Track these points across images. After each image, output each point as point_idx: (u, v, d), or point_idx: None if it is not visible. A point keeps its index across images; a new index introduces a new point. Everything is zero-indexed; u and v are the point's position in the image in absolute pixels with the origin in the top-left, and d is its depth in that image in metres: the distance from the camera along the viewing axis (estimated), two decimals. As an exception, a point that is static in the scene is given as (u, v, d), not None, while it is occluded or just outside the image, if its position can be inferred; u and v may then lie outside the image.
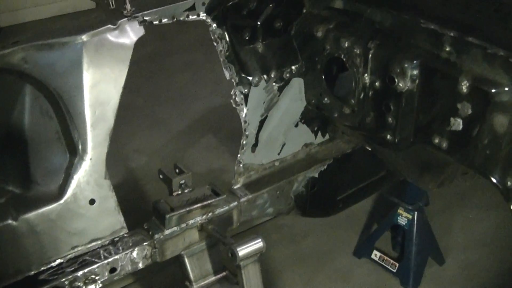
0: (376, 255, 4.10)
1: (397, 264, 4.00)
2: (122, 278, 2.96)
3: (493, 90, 2.40)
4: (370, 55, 2.84)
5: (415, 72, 2.67)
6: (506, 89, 2.38)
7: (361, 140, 3.31)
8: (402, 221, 3.95)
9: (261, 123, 3.17)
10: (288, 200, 3.35)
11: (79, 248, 2.74)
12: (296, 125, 3.33)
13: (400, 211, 3.95)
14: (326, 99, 3.15)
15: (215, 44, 2.92)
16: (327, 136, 3.49)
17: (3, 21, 7.52)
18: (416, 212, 3.90)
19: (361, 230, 4.38)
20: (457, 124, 2.58)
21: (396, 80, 2.72)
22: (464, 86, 2.49)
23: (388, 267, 4.03)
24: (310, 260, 4.14)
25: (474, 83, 2.47)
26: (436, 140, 2.70)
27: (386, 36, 2.83)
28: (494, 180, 2.53)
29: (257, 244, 2.70)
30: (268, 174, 3.30)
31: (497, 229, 4.35)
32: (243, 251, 2.66)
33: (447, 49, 2.58)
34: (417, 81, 2.69)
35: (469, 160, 2.63)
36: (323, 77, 3.13)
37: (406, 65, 2.68)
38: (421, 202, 3.95)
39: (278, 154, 3.33)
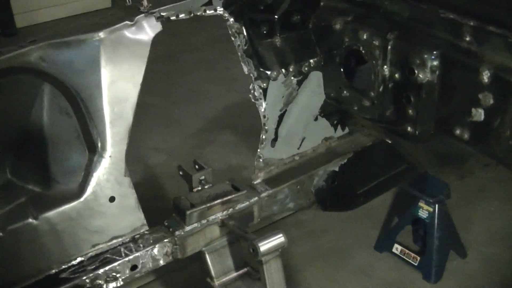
0: (397, 249, 4.05)
1: (419, 258, 3.95)
2: (143, 275, 2.97)
3: None
4: (389, 47, 2.80)
5: (435, 63, 2.63)
6: None
7: (381, 133, 3.28)
8: (423, 214, 3.90)
9: (280, 117, 3.14)
10: (308, 194, 3.31)
11: (100, 246, 2.72)
12: (316, 119, 3.30)
13: (421, 204, 3.90)
14: (345, 92, 3.11)
15: (233, 38, 2.91)
16: (346, 130, 3.46)
17: (19, 22, 7.55)
18: (437, 205, 3.85)
19: (381, 224, 4.33)
20: (479, 114, 2.53)
21: (416, 72, 2.68)
22: (486, 76, 2.44)
23: (410, 261, 3.99)
24: (331, 255, 4.11)
25: (495, 72, 2.42)
26: (458, 131, 2.65)
27: (405, 27, 2.79)
28: None
29: (278, 239, 2.65)
30: (288, 168, 3.26)
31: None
32: (264, 246, 2.62)
33: (467, 38, 2.53)
34: (437, 72, 2.65)
35: (492, 151, 2.59)
36: (342, 70, 3.10)
37: (426, 56, 2.64)
38: (442, 194, 3.91)
39: (298, 148, 3.29)
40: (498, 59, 2.42)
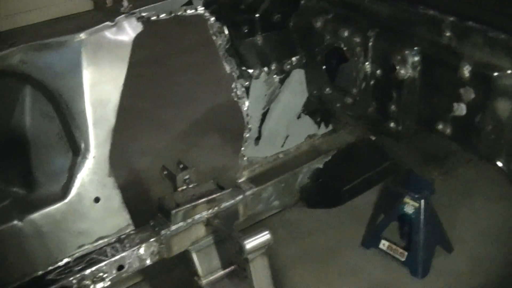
0: (384, 244, 4.08)
1: (406, 253, 3.98)
2: (131, 276, 2.98)
3: (495, 74, 2.35)
4: (370, 44, 2.81)
5: (416, 59, 2.63)
6: (508, 72, 2.33)
7: (364, 130, 3.29)
8: (409, 210, 3.94)
9: (263, 116, 3.15)
10: (293, 192, 3.31)
11: (86, 247, 2.71)
12: (299, 117, 3.30)
13: (407, 200, 3.93)
14: (327, 90, 3.12)
15: (214, 38, 2.91)
16: (330, 127, 3.47)
17: (1, 26, 7.53)
18: (422, 201, 3.88)
19: (367, 221, 4.35)
20: (460, 109, 2.53)
21: (397, 68, 2.69)
22: (466, 71, 2.44)
23: (397, 256, 4.02)
24: (318, 254, 4.13)
25: (475, 67, 2.42)
26: (440, 126, 2.65)
27: (385, 24, 2.80)
28: (499, 165, 2.50)
29: (264, 236, 2.67)
30: (272, 167, 3.27)
31: (505, 219, 4.35)
32: (250, 244, 2.63)
33: (447, 34, 2.54)
34: (418, 68, 2.65)
35: (474, 146, 2.59)
36: (323, 68, 3.11)
37: (406, 52, 2.64)
38: (427, 191, 3.93)
39: (282, 146, 3.30)
40: (478, 54, 2.42)
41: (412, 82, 2.69)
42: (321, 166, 3.36)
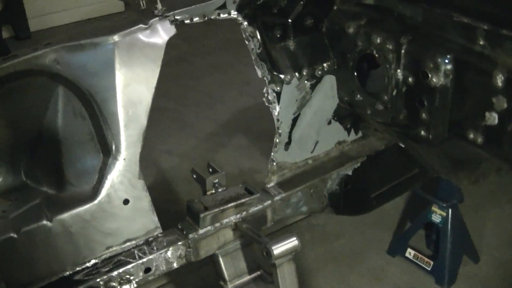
0: (410, 253, 4.03)
1: (432, 262, 3.93)
2: (156, 278, 2.97)
3: None
4: (402, 51, 2.79)
5: (448, 66, 2.62)
6: None
7: (394, 136, 3.26)
8: (436, 218, 3.89)
9: (294, 121, 3.13)
10: (322, 198, 3.29)
11: (114, 248, 2.72)
12: (329, 123, 3.29)
13: (434, 208, 3.89)
14: (358, 96, 3.10)
15: (247, 42, 2.91)
16: (360, 134, 3.44)
17: (32, 26, 7.59)
18: (450, 209, 3.83)
19: (394, 228, 4.32)
20: (493, 118, 2.51)
21: (430, 75, 2.67)
22: (499, 80, 2.42)
23: (423, 265, 3.97)
24: (344, 259, 4.10)
25: (509, 76, 2.40)
26: (471, 135, 2.64)
27: (418, 31, 2.78)
28: None
29: (292, 242, 2.64)
30: (301, 172, 3.24)
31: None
32: (278, 249, 2.61)
33: (481, 42, 2.52)
34: (450, 76, 2.64)
35: (505, 155, 2.58)
36: (355, 74, 3.09)
37: (439, 60, 2.63)
38: (455, 199, 3.89)
39: (311, 152, 3.28)
40: (510, 62, 2.41)
41: (444, 89, 2.67)
42: (350, 172, 3.34)
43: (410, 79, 2.80)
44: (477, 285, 3.91)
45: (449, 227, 3.84)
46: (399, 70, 2.83)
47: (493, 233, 4.29)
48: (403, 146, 3.27)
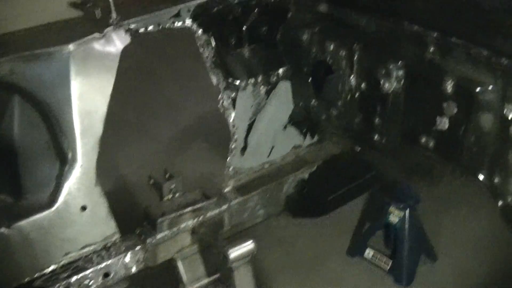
0: (369, 253, 4.13)
1: (390, 262, 4.03)
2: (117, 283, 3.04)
3: (477, 89, 2.44)
4: (355, 58, 2.89)
5: (400, 73, 2.72)
6: (490, 88, 2.42)
7: (350, 141, 3.36)
8: (393, 219, 3.98)
9: (250, 126, 3.24)
10: (279, 202, 3.40)
11: (72, 254, 2.79)
12: (285, 128, 3.39)
13: (392, 209, 3.98)
14: (313, 101, 3.20)
15: (201, 49, 2.98)
16: (316, 138, 3.54)
17: (-10, 32, 7.57)
18: (407, 210, 3.92)
19: (353, 230, 4.41)
20: (443, 123, 2.62)
21: (382, 82, 2.77)
22: (449, 86, 2.53)
23: (381, 265, 4.07)
24: (303, 262, 4.16)
25: (458, 82, 2.51)
26: (423, 140, 2.75)
27: (371, 38, 2.88)
28: (481, 178, 2.58)
29: (248, 246, 2.74)
30: (258, 177, 3.36)
31: (489, 227, 4.36)
32: (234, 253, 2.70)
33: (431, 50, 2.62)
34: (402, 82, 2.74)
35: (456, 159, 2.68)
36: (309, 80, 3.19)
37: (391, 67, 2.73)
38: (412, 200, 3.99)
39: (268, 157, 3.38)
40: (460, 70, 2.52)
41: (396, 95, 2.77)
42: (306, 176, 3.44)
43: (363, 86, 2.90)
44: (434, 283, 3.99)
45: (406, 227, 3.93)
46: (352, 77, 2.93)
47: (451, 234, 4.38)
48: (358, 150, 3.38)
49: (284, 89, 3.29)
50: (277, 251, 4.26)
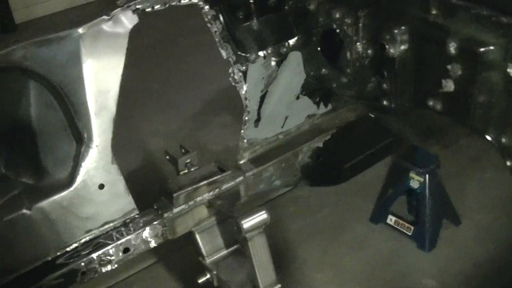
0: (391, 219, 4.19)
1: (412, 228, 4.09)
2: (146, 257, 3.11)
3: (480, 49, 2.45)
4: (360, 24, 2.93)
5: (404, 37, 2.75)
6: (493, 47, 2.43)
7: (363, 108, 3.41)
8: (414, 184, 4.04)
9: (262, 98, 3.28)
10: (294, 171, 3.46)
11: (93, 232, 2.91)
12: (298, 98, 3.43)
13: (412, 175, 4.03)
14: (323, 70, 3.24)
15: (209, 25, 3.04)
16: (330, 106, 3.59)
17: (17, 18, 7.73)
18: (427, 175, 3.98)
19: (376, 197, 4.47)
20: (449, 85, 2.65)
21: (387, 47, 2.81)
22: (453, 48, 2.54)
23: (404, 231, 4.13)
24: (327, 230, 4.26)
25: (461, 44, 2.52)
26: (431, 103, 2.77)
27: (375, 4, 2.91)
28: (489, 138, 2.61)
29: (261, 216, 2.81)
30: (273, 147, 3.41)
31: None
32: (247, 223, 2.78)
33: (434, 12, 2.64)
34: (407, 46, 2.76)
35: (464, 120, 2.70)
36: (319, 49, 3.23)
37: (395, 31, 2.75)
38: (432, 165, 4.03)
39: (282, 127, 3.43)
40: (463, 31, 2.52)
41: (401, 60, 2.80)
42: (321, 145, 3.50)
43: (369, 51, 2.93)
44: (458, 247, 4.05)
45: (427, 192, 3.99)
46: (358, 43, 2.97)
47: (475, 197, 4.43)
48: (373, 116, 3.43)
49: (295, 59, 3.32)
50: (302, 217, 4.38)
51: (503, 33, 2.38)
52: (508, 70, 2.40)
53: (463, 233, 4.16)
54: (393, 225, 4.18)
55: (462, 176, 4.57)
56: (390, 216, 4.20)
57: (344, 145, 3.61)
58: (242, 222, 2.77)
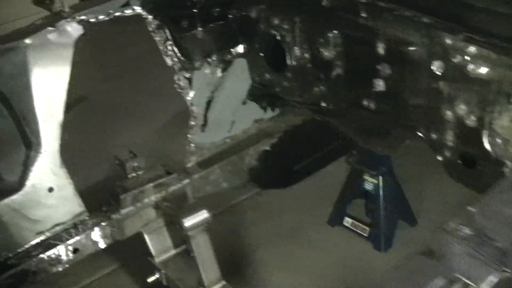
0: (348, 221, 4.41)
1: (368, 229, 4.31)
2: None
3: (406, 49, 2.66)
4: (297, 30, 3.16)
5: (337, 40, 2.96)
6: (417, 46, 2.64)
7: (308, 111, 3.63)
8: (368, 186, 4.26)
9: (208, 104, 3.49)
10: (242, 174, 3.67)
11: (43, 233, 3.09)
12: (244, 103, 3.65)
13: (366, 177, 4.26)
14: (267, 75, 3.45)
15: (153, 34, 3.26)
16: (277, 111, 3.81)
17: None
18: (380, 177, 4.20)
19: (335, 199, 4.69)
20: (380, 85, 2.85)
21: (321, 50, 3.04)
22: (381, 48, 2.76)
23: (360, 232, 4.35)
24: (287, 233, 4.46)
25: (389, 44, 2.74)
26: (365, 102, 2.98)
27: (310, 10, 3.11)
28: (420, 135, 2.83)
29: (202, 214, 3.02)
30: (220, 151, 3.62)
31: (471, 191, 4.58)
32: (189, 222, 2.99)
33: (363, 15, 2.83)
34: (340, 49, 2.98)
35: (396, 118, 2.92)
36: (262, 55, 3.47)
37: (328, 35, 2.99)
38: (385, 167, 4.25)
39: (229, 131, 3.65)
40: (389, 32, 2.73)
41: (336, 62, 3.03)
42: (268, 148, 3.72)
43: (306, 55, 3.16)
44: (414, 248, 4.20)
45: (381, 194, 4.21)
46: (296, 48, 3.20)
47: (433, 198, 4.62)
48: (319, 119, 3.65)
49: (240, 66, 3.54)
50: (263, 222, 4.58)
51: (425, 33, 2.60)
52: (432, 67, 2.61)
53: (419, 233, 4.35)
54: (350, 227, 4.40)
55: (421, 177, 4.76)
56: (346, 218, 4.42)
57: (292, 148, 3.81)
58: (184, 220, 2.99)
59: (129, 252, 3.30)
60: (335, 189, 4.76)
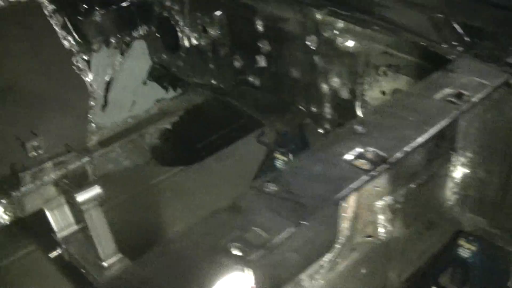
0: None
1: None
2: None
3: (282, 25, 2.90)
4: (185, 10, 3.39)
5: (221, 19, 3.20)
6: (292, 22, 2.87)
7: (206, 90, 3.87)
8: (279, 164, 4.45)
9: (108, 84, 3.71)
10: (143, 151, 3.91)
11: None
12: (145, 83, 3.89)
13: (277, 155, 4.41)
14: (163, 56, 3.69)
15: (49, 19, 3.43)
16: (179, 91, 4.06)
17: None
18: (290, 154, 4.36)
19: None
20: (262, 61, 3.10)
21: (208, 29, 3.27)
22: (260, 25, 3.00)
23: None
24: (199, 212, 4.69)
25: (267, 21, 2.97)
26: (251, 79, 3.22)
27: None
28: (301, 108, 3.06)
29: (94, 190, 3.23)
30: (121, 130, 3.85)
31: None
32: (82, 197, 3.20)
33: None
34: (224, 28, 3.22)
35: (278, 93, 3.16)
36: (159, 36, 3.70)
37: (213, 14, 3.21)
38: (296, 145, 4.45)
39: (129, 111, 3.88)
40: (266, 9, 2.97)
41: (221, 40, 3.26)
42: (169, 126, 3.97)
43: (195, 35, 3.39)
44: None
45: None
46: (186, 28, 3.44)
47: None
48: (221, 98, 3.89)
49: (140, 48, 3.77)
50: (177, 204, 4.79)
51: (298, 9, 2.82)
52: (307, 42, 2.84)
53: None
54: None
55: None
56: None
57: (194, 126, 4.05)
58: (76, 196, 3.21)
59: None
60: (249, 166, 4.95)
